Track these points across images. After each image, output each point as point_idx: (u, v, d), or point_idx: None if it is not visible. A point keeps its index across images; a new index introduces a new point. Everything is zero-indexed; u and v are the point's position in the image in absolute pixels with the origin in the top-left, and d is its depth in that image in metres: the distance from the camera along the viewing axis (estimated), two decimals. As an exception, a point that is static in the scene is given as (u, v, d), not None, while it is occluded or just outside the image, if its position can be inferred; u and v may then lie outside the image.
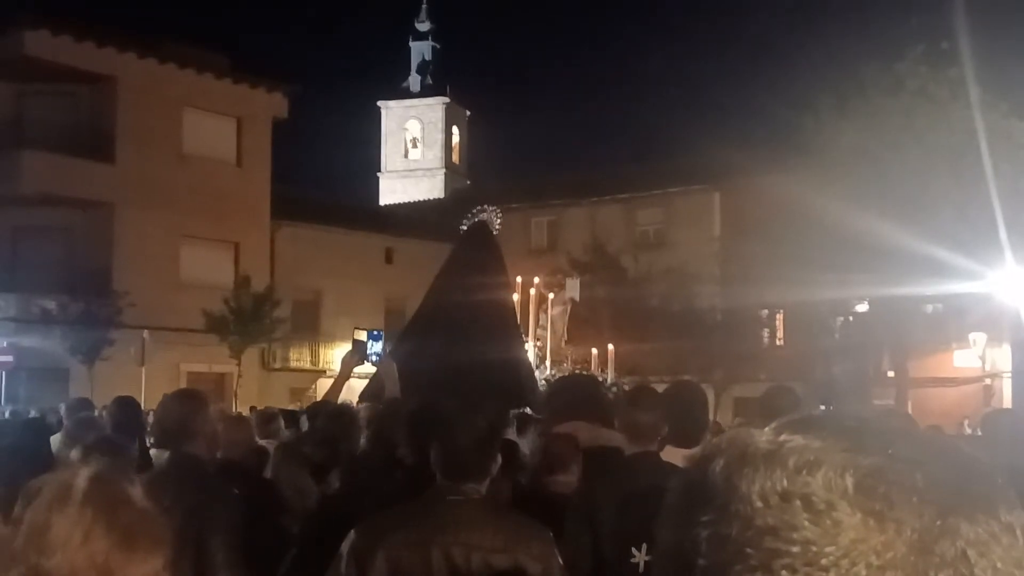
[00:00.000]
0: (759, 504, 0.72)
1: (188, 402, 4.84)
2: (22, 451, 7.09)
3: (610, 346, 18.41)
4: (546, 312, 18.50)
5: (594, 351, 18.82)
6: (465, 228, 11.75)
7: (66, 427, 7.56)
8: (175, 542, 2.08)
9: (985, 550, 0.70)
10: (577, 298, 19.27)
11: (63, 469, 2.02)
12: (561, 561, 3.56)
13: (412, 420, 4.71)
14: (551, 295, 18.97)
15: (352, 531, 3.48)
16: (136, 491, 1.95)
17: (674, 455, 4.58)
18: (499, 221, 11.90)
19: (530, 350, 16.17)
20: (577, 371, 15.99)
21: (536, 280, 18.08)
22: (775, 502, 0.71)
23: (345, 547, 3.45)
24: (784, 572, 0.69)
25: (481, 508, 3.50)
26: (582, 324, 19.46)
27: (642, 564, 3.62)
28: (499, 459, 3.66)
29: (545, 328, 18.29)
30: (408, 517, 3.54)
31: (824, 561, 0.69)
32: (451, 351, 9.21)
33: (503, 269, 11.52)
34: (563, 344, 18.42)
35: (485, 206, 12.00)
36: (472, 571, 3.34)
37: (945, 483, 0.72)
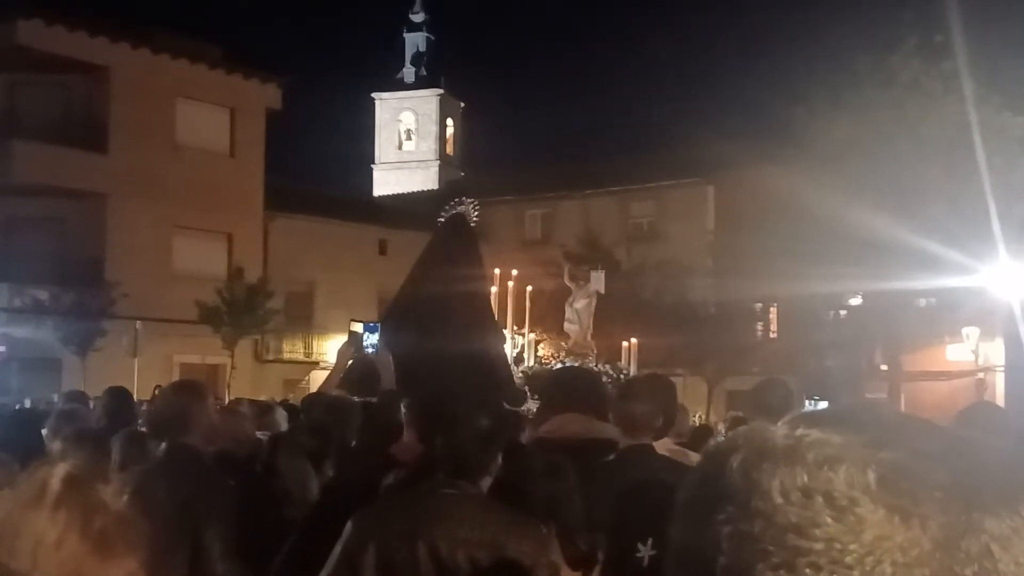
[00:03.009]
0: (780, 500, 0.71)
1: (186, 393, 4.83)
2: (10, 444, 7.05)
3: (633, 340, 18.45)
4: (571, 305, 18.55)
5: (624, 344, 18.86)
6: (443, 219, 11.76)
7: (50, 420, 7.54)
8: (169, 534, 2.06)
9: (1008, 545, 0.70)
10: (602, 290, 19.25)
11: (39, 464, 1.98)
12: (558, 560, 3.53)
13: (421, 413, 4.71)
14: (575, 287, 19.02)
15: (349, 521, 3.48)
16: (110, 492, 1.92)
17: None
18: (477, 213, 11.92)
19: (508, 343, 16.20)
20: (589, 364, 15.98)
21: (516, 272, 18.16)
22: (796, 498, 0.70)
23: (342, 538, 3.45)
24: (808, 570, 0.68)
25: (474, 503, 3.48)
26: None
27: (647, 559, 3.59)
28: (499, 458, 3.64)
29: (573, 321, 18.35)
30: (401, 508, 3.53)
31: (848, 559, 0.68)
32: (425, 343, 9.19)
33: (480, 261, 11.54)
34: (588, 337, 18.45)
35: (463, 198, 12.01)
36: (458, 565, 3.31)
37: (967, 478, 0.71)
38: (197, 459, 4.61)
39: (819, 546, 0.69)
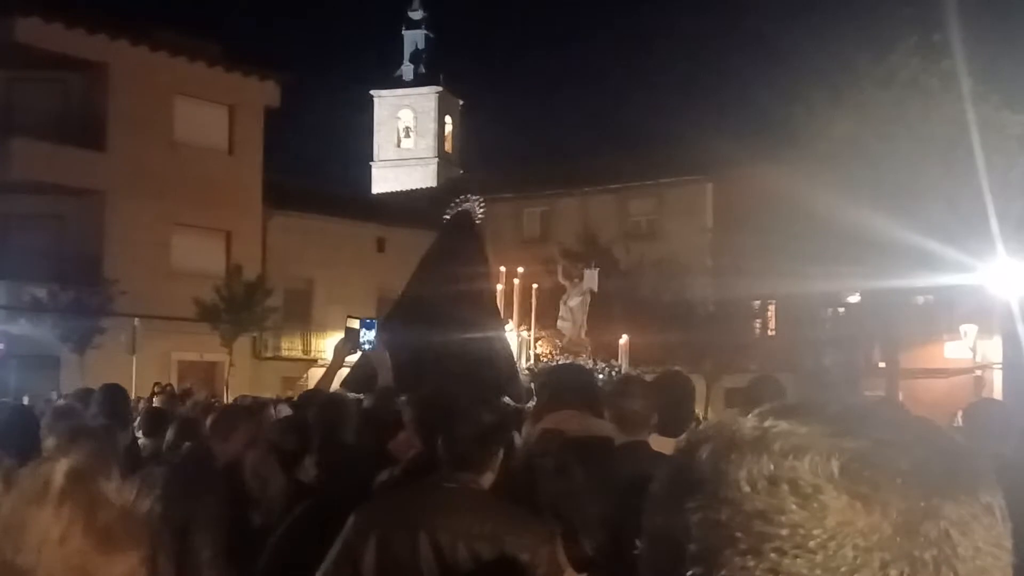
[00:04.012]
0: (747, 489, 0.73)
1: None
2: (7, 441, 7.05)
3: (625, 337, 18.49)
4: (565, 303, 18.61)
5: (620, 341, 18.93)
6: (448, 217, 11.76)
7: (45, 416, 7.54)
8: (160, 536, 2.07)
9: (967, 530, 0.72)
10: (596, 289, 19.30)
11: (41, 460, 1.99)
12: (561, 558, 3.53)
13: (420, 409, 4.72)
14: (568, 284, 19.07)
15: (351, 515, 3.50)
16: (113, 487, 1.93)
17: (661, 444, 4.60)
18: (482, 211, 11.91)
19: (513, 339, 16.25)
20: (583, 361, 16.01)
21: (521, 269, 18.20)
22: (763, 487, 0.72)
23: (343, 531, 3.46)
24: (773, 555, 0.70)
25: (476, 497, 3.50)
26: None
27: (646, 558, 3.59)
28: (501, 454, 3.66)
29: (566, 319, 18.42)
30: (402, 502, 3.57)
31: (812, 544, 0.70)
32: (430, 340, 9.21)
33: (485, 259, 11.55)
34: (582, 334, 18.49)
35: (468, 195, 12.00)
36: (457, 557, 3.33)
37: (928, 466, 0.73)
38: (204, 460, 4.63)
39: (784, 532, 0.71)
